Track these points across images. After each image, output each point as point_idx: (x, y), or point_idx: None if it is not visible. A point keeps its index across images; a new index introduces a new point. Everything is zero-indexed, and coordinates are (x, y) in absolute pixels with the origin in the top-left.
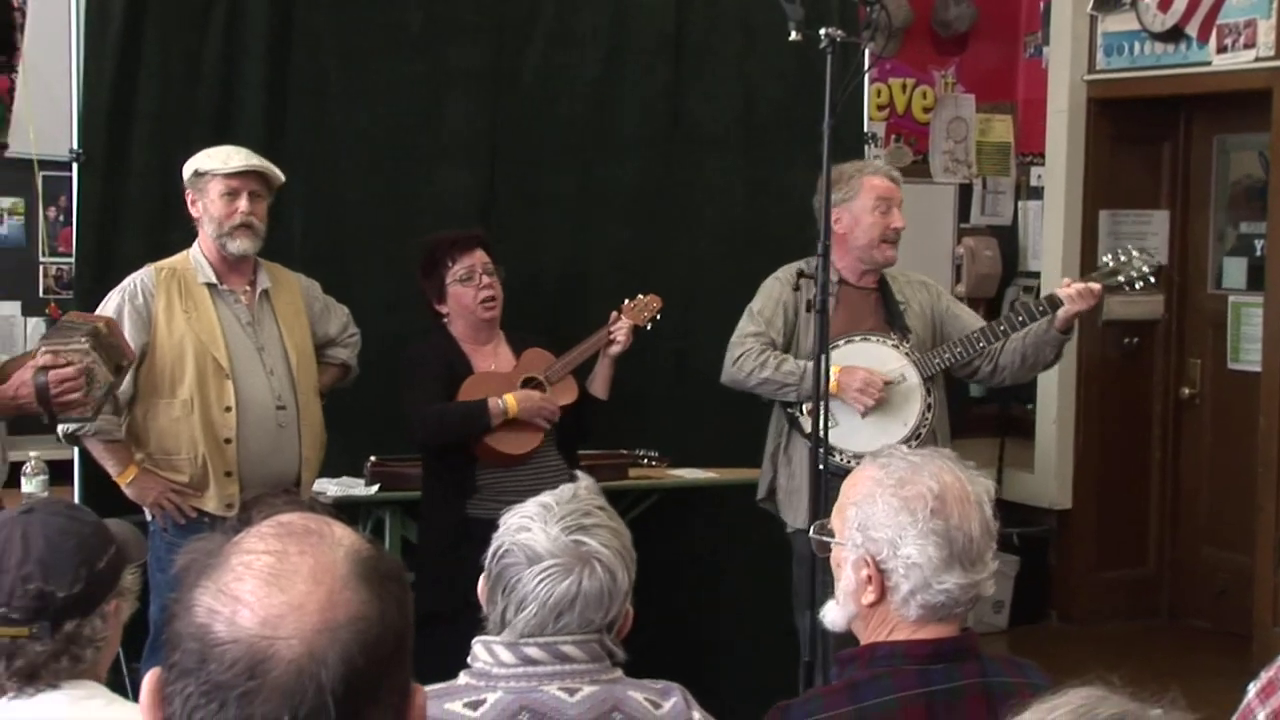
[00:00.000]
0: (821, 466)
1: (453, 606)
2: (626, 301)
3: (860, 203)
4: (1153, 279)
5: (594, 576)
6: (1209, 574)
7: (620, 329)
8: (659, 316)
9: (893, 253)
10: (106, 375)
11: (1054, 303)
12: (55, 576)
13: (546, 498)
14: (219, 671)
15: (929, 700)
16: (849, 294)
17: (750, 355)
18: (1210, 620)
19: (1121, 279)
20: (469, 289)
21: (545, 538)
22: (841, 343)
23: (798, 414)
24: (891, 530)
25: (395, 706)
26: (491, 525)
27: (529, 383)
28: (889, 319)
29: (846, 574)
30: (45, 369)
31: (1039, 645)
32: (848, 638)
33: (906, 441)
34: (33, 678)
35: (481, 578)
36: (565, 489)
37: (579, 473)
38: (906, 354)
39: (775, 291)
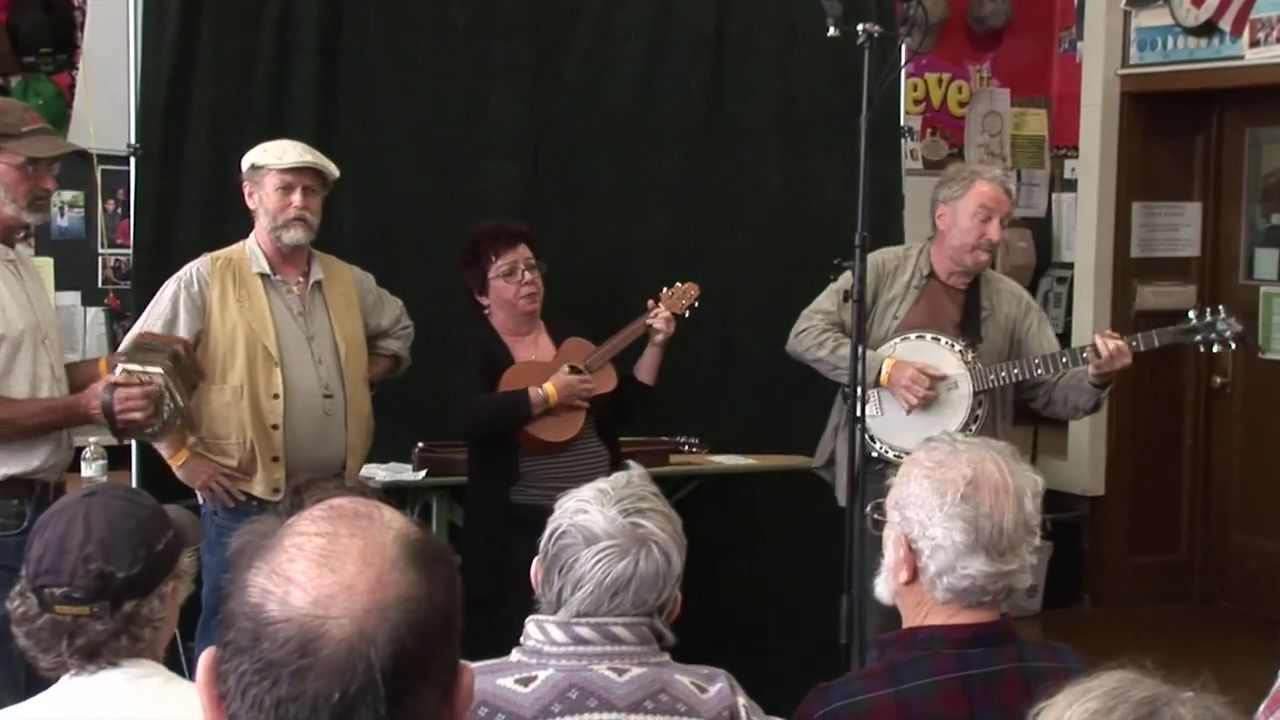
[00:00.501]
0: (857, 453)
1: (498, 591)
2: (665, 290)
3: (964, 205)
4: (1233, 344)
5: (650, 558)
6: (1240, 559)
7: (659, 317)
8: (697, 304)
9: (985, 258)
10: (177, 399)
11: (1097, 352)
12: (116, 558)
13: (602, 483)
14: (272, 650)
15: (966, 683)
16: (934, 289)
17: (811, 333)
18: (1241, 604)
19: (1199, 338)
20: (511, 284)
21: (603, 519)
22: (912, 337)
23: (843, 392)
24: (923, 511)
25: (443, 685)
26: (535, 510)
27: (571, 371)
28: (964, 323)
29: (889, 551)
30: (115, 385)
31: (1072, 628)
32: (887, 621)
33: None
34: (93, 656)
35: (536, 560)
36: (619, 475)
37: (631, 461)
38: (967, 363)
39: (847, 280)
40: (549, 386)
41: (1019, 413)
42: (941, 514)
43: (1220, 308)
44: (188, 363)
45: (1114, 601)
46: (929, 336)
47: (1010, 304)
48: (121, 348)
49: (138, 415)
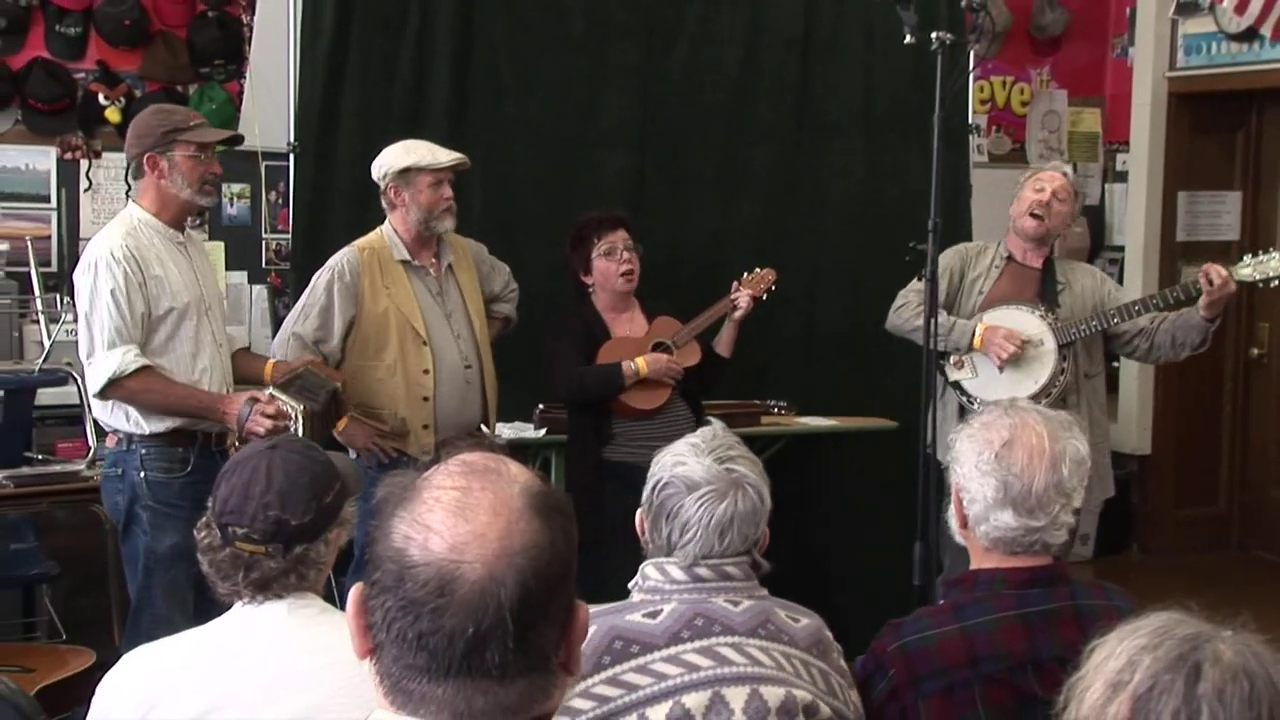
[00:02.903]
0: (935, 409)
1: (592, 537)
2: (745, 274)
3: (1026, 185)
4: None
5: (746, 498)
6: (1275, 512)
7: (740, 297)
8: (774, 287)
9: (1032, 223)
10: (309, 434)
11: (1191, 291)
12: (290, 507)
13: (692, 438)
14: (414, 589)
15: (1025, 620)
16: (1014, 269)
17: (909, 307)
18: (1276, 553)
19: (1256, 275)
20: (612, 262)
21: (701, 468)
22: (999, 308)
23: (945, 363)
24: (967, 465)
25: (562, 622)
26: (626, 467)
27: (658, 346)
28: (1042, 293)
29: (953, 497)
30: (255, 401)
31: (1121, 574)
32: (957, 565)
33: (1036, 397)
34: (264, 588)
35: (640, 511)
36: (705, 430)
37: (711, 418)
38: (1049, 323)
39: (947, 259)
40: (640, 362)
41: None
42: (977, 470)
43: (1272, 250)
44: (341, 398)
45: (1160, 550)
46: (1011, 306)
47: (1085, 277)
48: (284, 346)
49: (262, 432)
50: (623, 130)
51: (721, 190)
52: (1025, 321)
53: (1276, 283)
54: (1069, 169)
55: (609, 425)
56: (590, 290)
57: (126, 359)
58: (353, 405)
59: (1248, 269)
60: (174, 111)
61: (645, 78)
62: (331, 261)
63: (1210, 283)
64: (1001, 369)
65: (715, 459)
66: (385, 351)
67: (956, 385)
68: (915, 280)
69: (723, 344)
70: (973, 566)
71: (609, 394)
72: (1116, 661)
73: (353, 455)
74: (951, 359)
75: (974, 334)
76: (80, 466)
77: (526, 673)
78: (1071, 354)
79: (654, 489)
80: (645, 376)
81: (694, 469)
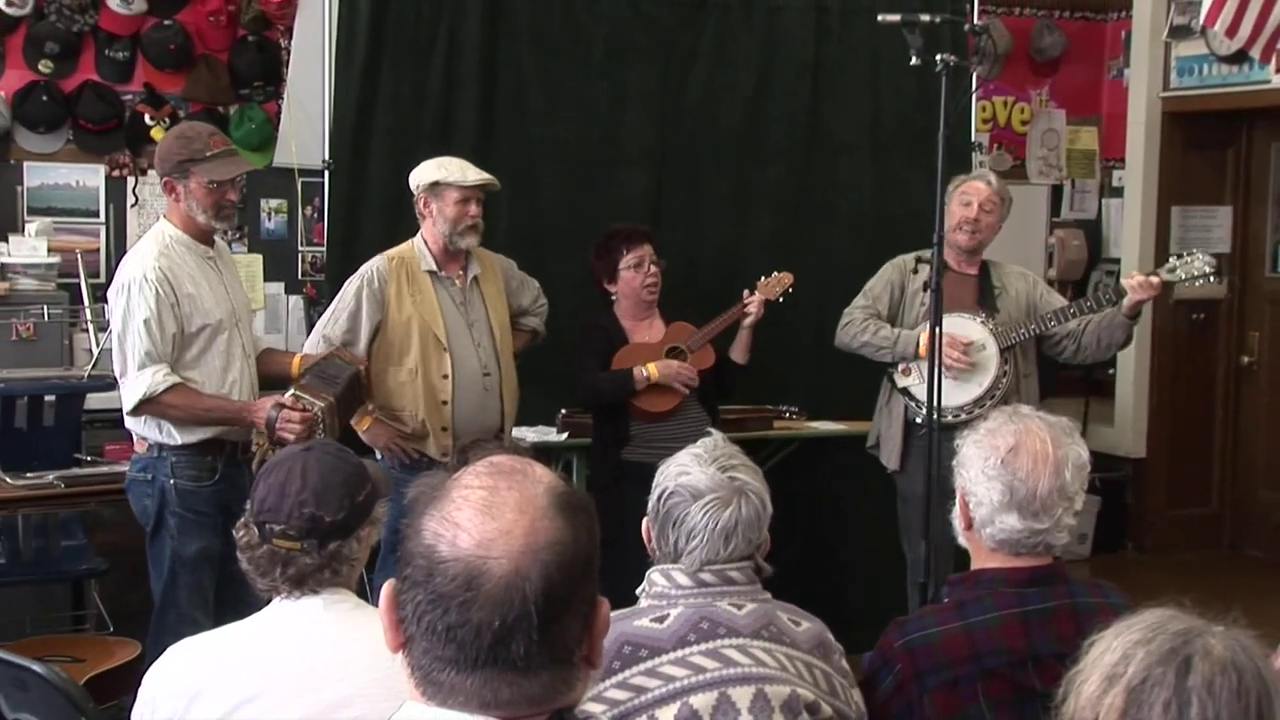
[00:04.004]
0: (934, 417)
1: (613, 534)
2: (762, 278)
3: (954, 199)
4: (1212, 278)
5: (749, 504)
6: (1264, 512)
7: (753, 302)
8: (791, 290)
9: (964, 238)
10: (327, 430)
11: (1121, 293)
12: (325, 504)
13: (695, 448)
14: (443, 584)
15: (1025, 617)
16: (952, 278)
17: (854, 323)
18: (1265, 551)
19: (1181, 275)
20: (638, 274)
21: (704, 476)
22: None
23: (893, 371)
24: (973, 470)
25: (584, 616)
26: (643, 467)
27: (673, 351)
28: (980, 300)
29: (957, 501)
30: (282, 406)
31: (1116, 571)
32: (958, 565)
33: (981, 399)
34: (300, 583)
35: (645, 520)
36: (707, 440)
37: (711, 429)
38: (990, 328)
39: (888, 274)
40: (651, 368)
41: (1072, 387)
42: (983, 475)
43: (1195, 250)
44: (362, 382)
45: (1154, 548)
46: (954, 314)
47: (1019, 281)
48: (315, 347)
49: (291, 437)
50: (643, 149)
51: (736, 205)
52: (967, 328)
53: (1201, 282)
54: (993, 177)
55: (627, 427)
56: (613, 298)
57: (156, 379)
58: (376, 406)
59: (1172, 271)
60: (194, 139)
61: (664, 100)
62: (362, 269)
63: (1122, 294)
64: (948, 373)
65: (718, 468)
66: (407, 356)
67: (905, 391)
68: (859, 297)
69: (738, 350)
70: (975, 566)
71: (621, 398)
72: (1112, 655)
73: (377, 456)
74: (899, 367)
75: (918, 342)
76: (126, 468)
77: (550, 665)
78: (1012, 356)
79: (660, 498)
80: (656, 381)
81: (698, 478)
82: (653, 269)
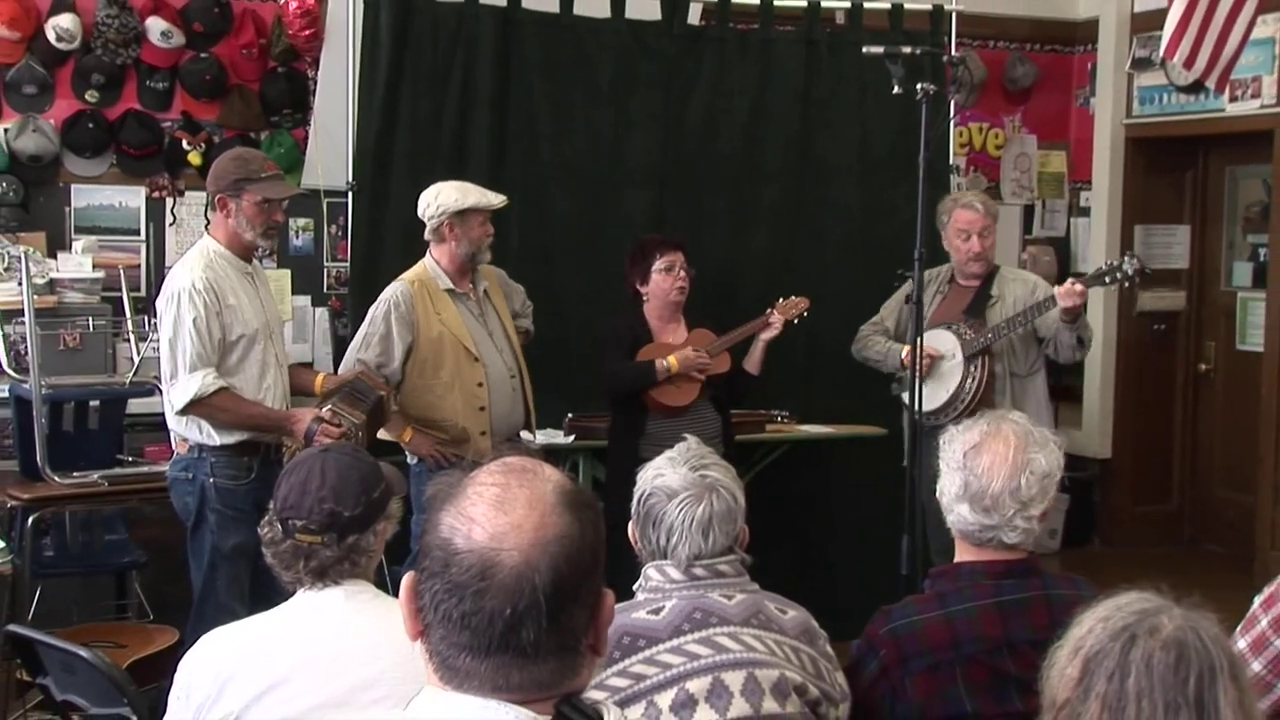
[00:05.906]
0: (918, 419)
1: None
2: (781, 300)
3: (950, 231)
4: (1138, 278)
5: (721, 499)
6: (1221, 509)
7: (775, 319)
8: (806, 314)
9: (977, 267)
10: (365, 441)
11: (1048, 305)
12: (343, 500)
13: (670, 453)
14: (458, 574)
15: (1001, 607)
16: (956, 290)
17: (862, 338)
18: (1222, 546)
19: (1107, 279)
20: (669, 278)
21: (677, 476)
22: (931, 329)
23: (893, 380)
24: (944, 461)
25: (591, 605)
26: None
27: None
28: (970, 309)
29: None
30: (321, 420)
31: (1085, 564)
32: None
33: (950, 402)
34: (322, 575)
35: (630, 523)
36: (681, 445)
37: (687, 434)
38: (960, 338)
39: (899, 295)
40: (672, 359)
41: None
42: (948, 466)
43: (1127, 253)
44: (386, 406)
45: (1119, 543)
46: (938, 326)
47: (1019, 288)
48: (345, 369)
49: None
50: (646, 171)
51: (734, 223)
52: (941, 339)
53: (1127, 284)
54: (977, 200)
55: (644, 423)
56: (644, 299)
57: (206, 381)
58: (414, 419)
59: (1096, 276)
60: (250, 160)
61: (666, 125)
62: (386, 294)
63: (1054, 303)
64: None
65: (690, 467)
66: (442, 370)
67: (898, 398)
68: (873, 316)
69: (752, 362)
70: (956, 559)
71: (642, 388)
72: (1080, 629)
73: (412, 461)
74: (895, 377)
75: (901, 355)
76: (166, 468)
77: (558, 651)
78: (986, 361)
79: (639, 500)
80: (676, 372)
81: (671, 479)
82: (682, 274)
